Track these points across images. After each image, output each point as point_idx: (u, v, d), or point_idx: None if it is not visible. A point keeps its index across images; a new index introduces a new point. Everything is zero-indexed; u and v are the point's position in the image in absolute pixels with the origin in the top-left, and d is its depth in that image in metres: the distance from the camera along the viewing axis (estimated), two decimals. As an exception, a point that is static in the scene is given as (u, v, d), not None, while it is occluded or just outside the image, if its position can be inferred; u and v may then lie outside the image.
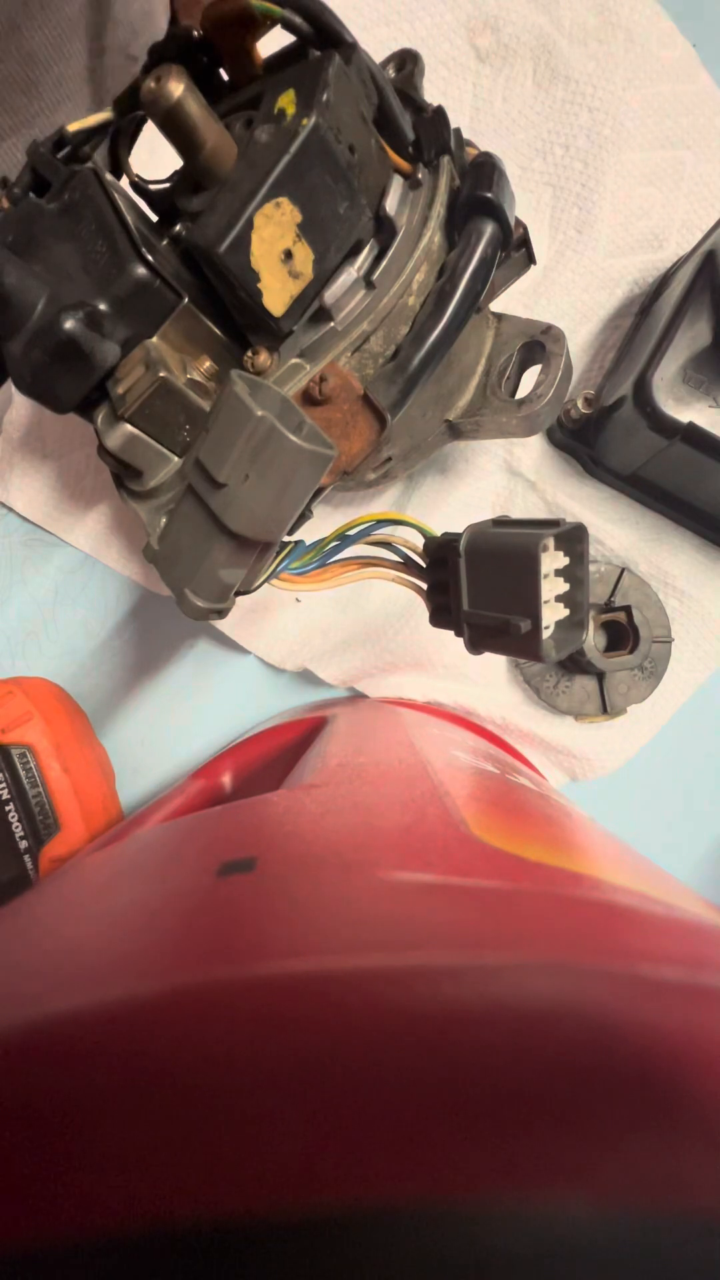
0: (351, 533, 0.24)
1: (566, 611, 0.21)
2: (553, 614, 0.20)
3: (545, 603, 0.20)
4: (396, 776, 0.17)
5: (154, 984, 0.08)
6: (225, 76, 0.22)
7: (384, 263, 0.22)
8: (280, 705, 0.36)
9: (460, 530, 0.22)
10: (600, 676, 0.33)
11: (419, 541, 0.24)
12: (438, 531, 0.24)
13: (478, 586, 0.21)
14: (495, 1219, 0.06)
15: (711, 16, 0.33)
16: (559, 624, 0.21)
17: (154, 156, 0.25)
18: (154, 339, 0.21)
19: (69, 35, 0.26)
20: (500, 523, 0.22)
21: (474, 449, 0.34)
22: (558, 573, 0.20)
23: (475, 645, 0.22)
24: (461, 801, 0.15)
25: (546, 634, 0.20)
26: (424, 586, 0.24)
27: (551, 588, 0.20)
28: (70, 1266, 0.06)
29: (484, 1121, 0.06)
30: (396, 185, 0.22)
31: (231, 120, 0.21)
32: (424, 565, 0.24)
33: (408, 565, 0.25)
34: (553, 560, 0.20)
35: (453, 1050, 0.07)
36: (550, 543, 0.20)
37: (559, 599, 0.21)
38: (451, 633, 0.23)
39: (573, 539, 0.20)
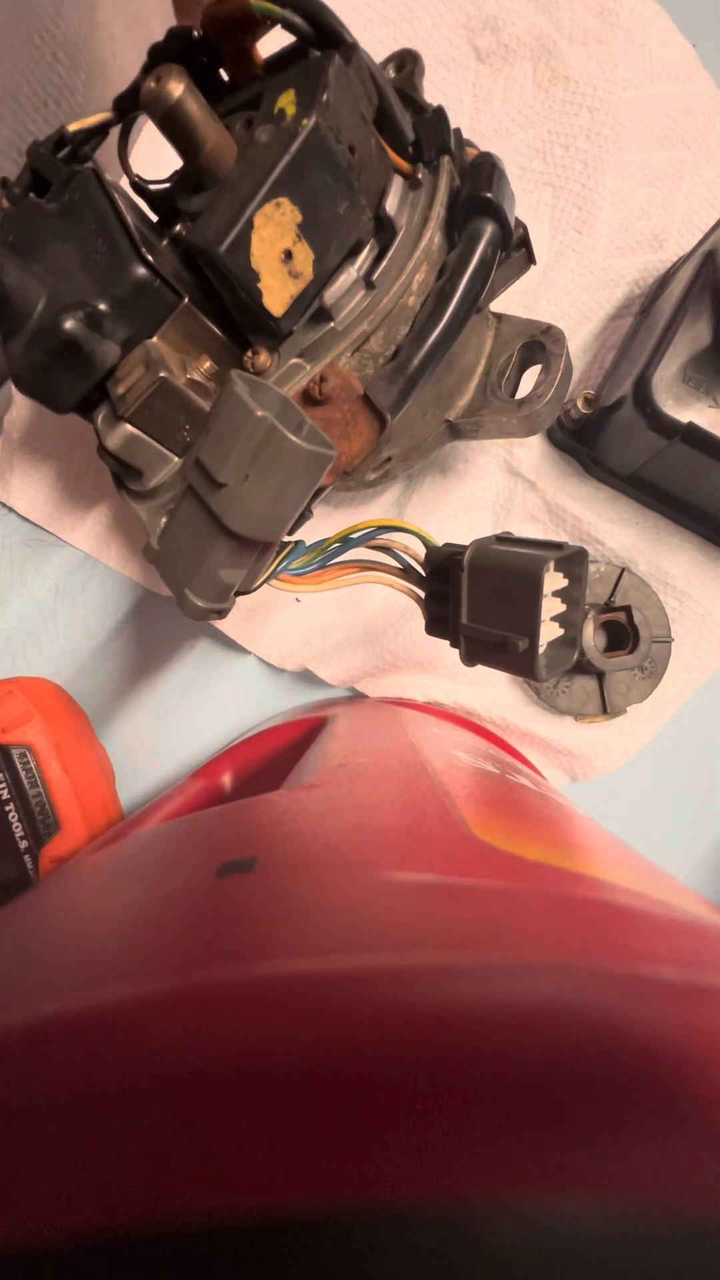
0: (354, 536, 0.24)
1: (561, 631, 0.21)
2: (548, 633, 0.21)
3: (542, 622, 0.20)
4: (397, 776, 0.17)
5: (154, 984, 0.08)
6: (225, 76, 0.22)
7: (384, 263, 0.22)
8: (280, 705, 0.36)
9: (460, 536, 0.22)
10: (600, 676, 0.33)
11: (420, 548, 0.24)
12: (438, 539, 0.24)
13: (478, 601, 0.22)
14: (495, 1219, 0.06)
15: (711, 16, 0.33)
16: (552, 643, 0.21)
17: (154, 156, 0.25)
18: (154, 339, 0.21)
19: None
20: (504, 540, 0.22)
21: (474, 449, 0.34)
22: (555, 593, 0.21)
23: (470, 658, 0.23)
24: (461, 801, 0.15)
25: (540, 652, 0.20)
26: (421, 595, 0.25)
27: (549, 608, 0.21)
28: (71, 1266, 0.06)
29: (484, 1122, 0.06)
30: (396, 185, 0.22)
31: (231, 120, 0.21)
32: (423, 574, 0.24)
33: (407, 572, 0.25)
34: (552, 581, 0.21)
35: (452, 1050, 0.07)
36: (552, 565, 0.20)
37: (554, 619, 0.21)
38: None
39: (573, 562, 0.21)
